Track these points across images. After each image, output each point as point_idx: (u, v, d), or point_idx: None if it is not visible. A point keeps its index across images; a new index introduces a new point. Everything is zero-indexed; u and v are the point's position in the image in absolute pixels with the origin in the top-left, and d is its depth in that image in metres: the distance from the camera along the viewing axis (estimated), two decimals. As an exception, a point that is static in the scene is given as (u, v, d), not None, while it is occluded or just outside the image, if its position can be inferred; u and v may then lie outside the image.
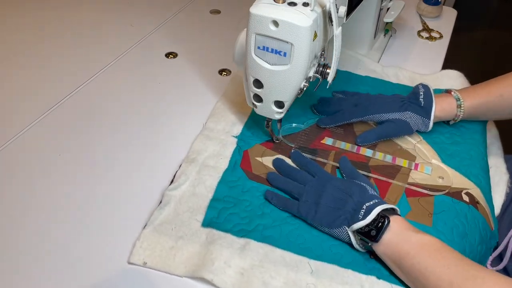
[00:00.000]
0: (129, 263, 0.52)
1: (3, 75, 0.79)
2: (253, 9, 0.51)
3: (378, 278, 0.51)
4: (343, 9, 0.53)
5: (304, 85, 0.56)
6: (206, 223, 0.55)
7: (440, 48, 0.92)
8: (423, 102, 0.66)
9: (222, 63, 0.84)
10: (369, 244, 0.51)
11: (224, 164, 0.63)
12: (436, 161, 0.65)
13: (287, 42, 0.51)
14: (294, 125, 0.70)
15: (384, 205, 0.52)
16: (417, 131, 0.67)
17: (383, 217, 0.50)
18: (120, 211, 0.58)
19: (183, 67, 0.83)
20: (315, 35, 0.52)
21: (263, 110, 0.61)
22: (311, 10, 0.50)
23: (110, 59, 0.83)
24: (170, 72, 0.82)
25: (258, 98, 0.60)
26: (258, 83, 0.58)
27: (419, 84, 0.69)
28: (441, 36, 0.95)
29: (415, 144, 0.67)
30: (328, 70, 0.58)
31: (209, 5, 1.02)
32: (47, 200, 0.58)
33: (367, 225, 0.50)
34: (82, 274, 0.51)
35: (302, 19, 0.50)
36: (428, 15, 1.01)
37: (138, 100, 0.75)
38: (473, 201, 0.60)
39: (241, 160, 0.64)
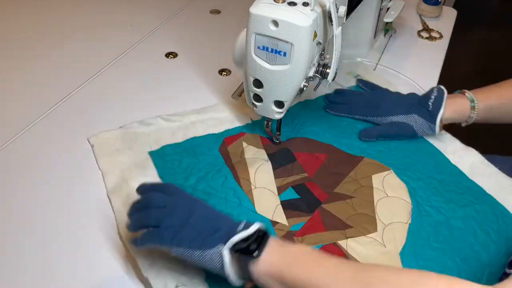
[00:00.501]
0: None
1: (3, 75, 0.79)
2: (253, 9, 0.51)
3: None
4: (343, 9, 0.53)
5: (304, 85, 0.56)
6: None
7: (440, 48, 0.92)
8: (431, 106, 0.65)
9: (222, 63, 0.84)
10: (248, 262, 0.43)
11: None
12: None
13: (287, 42, 0.51)
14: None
15: (261, 223, 0.46)
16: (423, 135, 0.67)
17: (262, 230, 0.45)
18: None
19: (183, 67, 0.83)
20: (315, 35, 0.52)
21: (263, 110, 0.61)
22: (311, 10, 0.50)
23: (110, 59, 0.83)
24: (170, 72, 0.82)
25: (258, 98, 0.60)
26: (258, 83, 0.58)
27: (435, 87, 0.68)
28: (441, 36, 0.95)
29: (383, 177, 0.63)
30: (328, 70, 0.58)
31: (209, 5, 1.02)
32: (48, 199, 0.59)
33: (247, 239, 0.44)
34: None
35: (302, 19, 0.50)
36: (428, 15, 1.01)
37: (138, 100, 0.75)
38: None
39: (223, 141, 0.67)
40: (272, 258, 0.44)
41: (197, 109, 0.72)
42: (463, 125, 0.68)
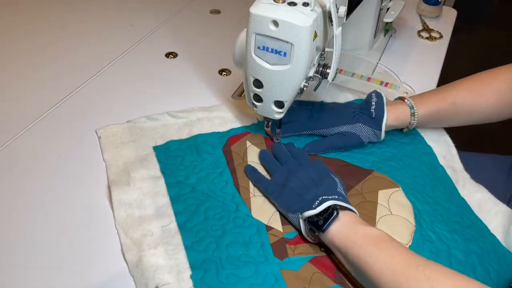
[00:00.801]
0: None
1: (3, 75, 0.79)
2: (253, 9, 0.51)
3: None
4: (343, 9, 0.53)
5: (304, 85, 0.56)
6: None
7: (440, 48, 0.92)
8: (374, 113, 0.64)
9: (222, 63, 0.84)
10: (316, 233, 0.52)
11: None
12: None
13: (287, 42, 0.51)
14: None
15: (341, 202, 0.52)
16: (369, 142, 0.66)
17: (334, 209, 0.51)
18: None
19: (183, 67, 0.83)
20: (315, 35, 0.52)
21: (263, 110, 0.61)
22: (311, 10, 0.50)
23: (110, 59, 0.83)
24: (170, 72, 0.82)
25: (258, 98, 0.60)
26: (258, 83, 0.58)
27: (372, 92, 0.67)
28: (441, 36, 0.95)
29: (390, 194, 0.62)
30: (328, 70, 0.58)
31: (209, 5, 1.02)
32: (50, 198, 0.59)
33: (317, 215, 0.51)
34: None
35: (302, 19, 0.49)
36: (428, 15, 1.01)
37: (138, 100, 0.75)
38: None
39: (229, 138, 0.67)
40: (339, 234, 0.50)
41: (205, 106, 0.72)
42: (404, 131, 0.68)
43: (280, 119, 0.64)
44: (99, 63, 0.82)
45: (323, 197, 0.53)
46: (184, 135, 0.67)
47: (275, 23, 0.50)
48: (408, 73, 0.83)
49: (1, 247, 0.53)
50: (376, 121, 0.65)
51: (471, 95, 0.64)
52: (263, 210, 0.58)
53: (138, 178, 0.60)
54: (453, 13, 1.04)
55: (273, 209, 0.59)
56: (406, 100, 0.65)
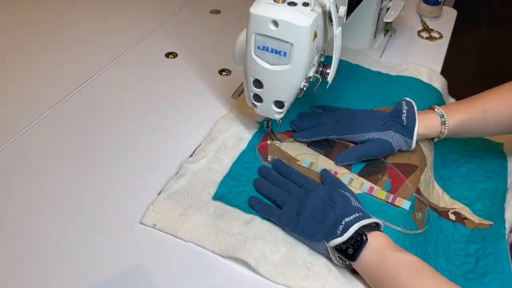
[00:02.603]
0: (141, 223, 0.56)
1: (3, 75, 0.79)
2: (253, 9, 0.51)
3: None
4: (343, 9, 0.53)
5: (304, 85, 0.56)
6: (217, 197, 0.59)
7: (440, 48, 0.92)
8: (405, 121, 0.64)
9: (222, 63, 0.84)
10: (347, 262, 0.50)
11: (242, 145, 0.66)
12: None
13: (287, 42, 0.51)
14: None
15: (364, 220, 0.50)
16: (399, 150, 0.65)
17: (361, 234, 0.49)
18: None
19: (183, 67, 0.83)
20: (315, 35, 0.52)
21: (263, 110, 0.61)
22: (311, 10, 0.50)
23: (110, 59, 0.83)
24: (170, 72, 0.82)
25: (258, 98, 0.60)
26: (258, 83, 0.58)
27: (402, 100, 0.66)
28: (441, 36, 0.95)
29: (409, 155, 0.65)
30: (328, 70, 0.58)
31: (209, 5, 1.02)
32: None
33: (344, 242, 0.49)
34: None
35: (302, 19, 0.50)
36: (428, 15, 1.01)
37: (138, 100, 0.75)
38: (460, 219, 0.61)
39: (259, 143, 0.67)
40: (370, 263, 0.49)
41: (206, 138, 0.67)
42: (435, 140, 0.67)
43: (281, 119, 0.64)
44: (99, 63, 0.82)
45: (345, 220, 0.50)
46: (220, 170, 0.63)
47: (275, 23, 0.50)
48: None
49: (0, 247, 0.53)
50: (407, 129, 0.63)
51: (503, 102, 0.62)
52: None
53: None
54: (453, 13, 1.04)
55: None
56: (436, 109, 0.64)
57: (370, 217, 0.51)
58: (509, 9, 2.64)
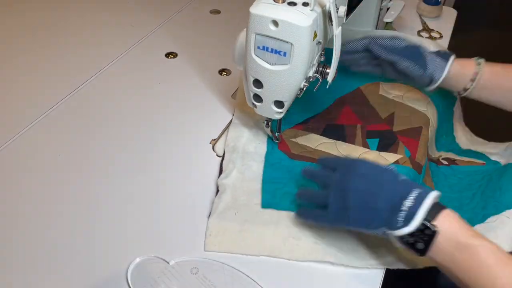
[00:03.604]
0: (205, 250, 0.54)
1: (3, 75, 0.79)
2: (253, 9, 0.51)
3: None
4: (343, 9, 0.53)
5: (304, 85, 0.56)
6: (266, 205, 0.59)
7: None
8: (441, 52, 0.65)
9: (222, 63, 0.84)
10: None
11: (263, 148, 0.66)
12: None
13: (287, 42, 0.51)
14: None
15: (427, 200, 0.44)
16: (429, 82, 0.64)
17: (429, 220, 0.44)
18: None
19: (183, 67, 0.83)
20: (315, 35, 0.52)
21: (263, 110, 0.61)
22: (311, 10, 0.50)
23: (110, 59, 0.83)
24: (170, 72, 0.82)
25: (258, 98, 0.60)
26: (258, 83, 0.58)
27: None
28: (441, 36, 0.95)
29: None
30: (328, 70, 0.58)
31: (209, 5, 1.02)
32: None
33: (411, 235, 0.44)
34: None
35: (302, 19, 0.50)
36: (428, 15, 1.01)
37: (138, 100, 0.75)
38: (451, 161, 0.67)
39: (278, 143, 0.67)
40: (443, 252, 0.44)
41: (225, 149, 0.66)
42: (461, 93, 0.65)
43: (281, 119, 0.64)
44: (99, 63, 0.82)
45: (407, 205, 0.44)
46: (253, 176, 0.62)
47: (275, 23, 0.50)
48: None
49: (0, 247, 0.53)
50: (443, 56, 0.64)
51: None
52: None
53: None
54: (453, 13, 1.04)
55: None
56: (474, 58, 0.65)
57: (429, 191, 0.45)
58: (509, 9, 2.64)
